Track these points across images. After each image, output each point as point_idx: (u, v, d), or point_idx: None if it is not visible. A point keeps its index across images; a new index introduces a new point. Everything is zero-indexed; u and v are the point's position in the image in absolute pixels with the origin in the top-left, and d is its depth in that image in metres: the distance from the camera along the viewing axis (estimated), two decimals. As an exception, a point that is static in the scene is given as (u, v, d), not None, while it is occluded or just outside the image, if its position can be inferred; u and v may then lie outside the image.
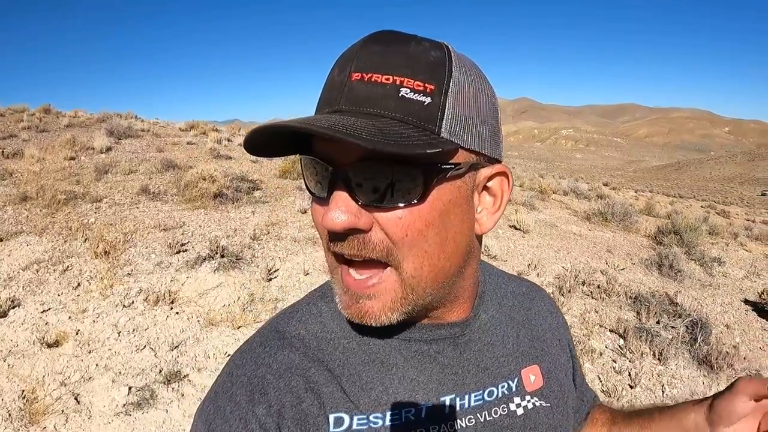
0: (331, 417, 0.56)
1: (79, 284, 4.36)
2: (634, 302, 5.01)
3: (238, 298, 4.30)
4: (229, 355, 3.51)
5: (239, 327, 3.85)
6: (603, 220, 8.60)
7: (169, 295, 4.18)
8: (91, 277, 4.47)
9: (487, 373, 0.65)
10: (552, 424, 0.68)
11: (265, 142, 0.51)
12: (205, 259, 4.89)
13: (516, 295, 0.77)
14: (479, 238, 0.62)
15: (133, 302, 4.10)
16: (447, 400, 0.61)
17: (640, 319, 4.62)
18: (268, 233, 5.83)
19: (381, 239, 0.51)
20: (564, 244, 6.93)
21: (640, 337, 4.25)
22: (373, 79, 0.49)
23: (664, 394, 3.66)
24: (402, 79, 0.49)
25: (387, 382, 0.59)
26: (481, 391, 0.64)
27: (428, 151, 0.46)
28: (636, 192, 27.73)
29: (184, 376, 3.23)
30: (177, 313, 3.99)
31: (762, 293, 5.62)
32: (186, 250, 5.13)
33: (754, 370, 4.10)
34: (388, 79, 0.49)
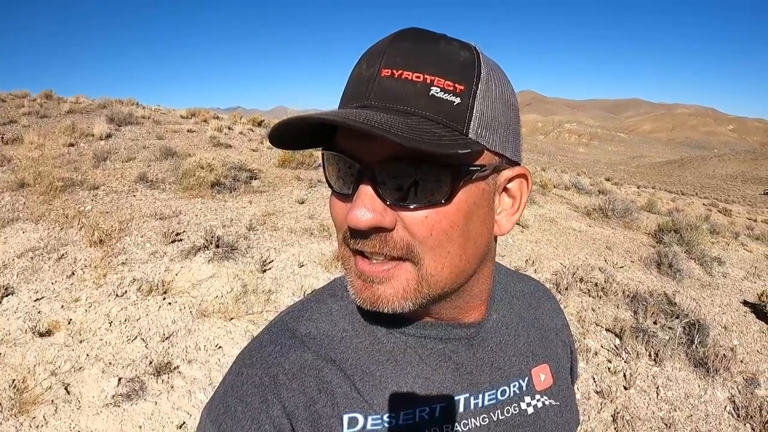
0: (345, 417, 0.56)
1: (73, 273, 4.36)
2: (631, 301, 4.99)
3: (232, 289, 4.30)
4: (219, 347, 3.51)
5: (231, 319, 3.85)
6: (603, 216, 8.52)
7: (162, 285, 4.19)
8: (86, 266, 4.47)
9: (500, 372, 0.65)
10: (561, 422, 0.69)
11: (291, 134, 0.51)
12: (199, 249, 4.89)
13: (525, 294, 0.78)
14: (495, 239, 0.62)
15: (126, 292, 4.11)
16: (461, 399, 0.61)
17: (637, 319, 4.60)
18: (265, 223, 5.82)
19: (403, 237, 0.50)
20: (563, 240, 6.88)
21: (637, 337, 4.23)
22: (403, 76, 0.49)
23: (659, 396, 3.65)
24: (433, 77, 0.48)
25: (401, 380, 0.59)
26: (494, 390, 0.64)
27: (460, 151, 0.46)
28: (638, 188, 27.62)
29: (175, 368, 3.23)
30: (169, 303, 3.99)
31: (762, 295, 5.56)
32: (181, 240, 5.12)
33: (750, 374, 4.07)
34: (418, 77, 0.48)
